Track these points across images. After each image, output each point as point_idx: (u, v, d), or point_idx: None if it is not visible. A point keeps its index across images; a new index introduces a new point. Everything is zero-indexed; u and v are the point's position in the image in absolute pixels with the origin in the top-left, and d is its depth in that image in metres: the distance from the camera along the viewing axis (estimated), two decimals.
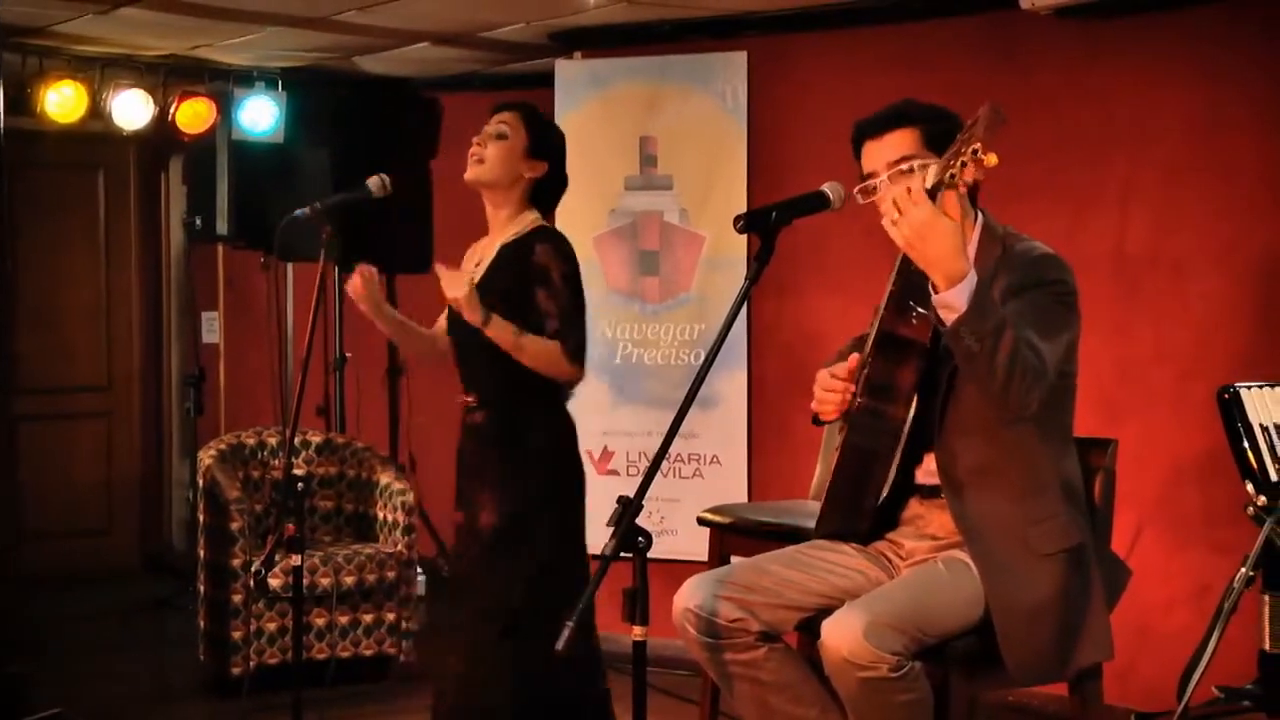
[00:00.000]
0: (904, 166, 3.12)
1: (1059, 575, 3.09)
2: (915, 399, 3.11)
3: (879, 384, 3.10)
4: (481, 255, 4.00)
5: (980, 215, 3.20)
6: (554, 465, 3.92)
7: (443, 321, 4.12)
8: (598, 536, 3.12)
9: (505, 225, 3.95)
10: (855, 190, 3.16)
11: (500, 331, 3.77)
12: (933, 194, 2.84)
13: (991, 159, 2.77)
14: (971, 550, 3.10)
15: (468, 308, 3.71)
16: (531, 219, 3.94)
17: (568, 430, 3.97)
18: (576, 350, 3.85)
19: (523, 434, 3.89)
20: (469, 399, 3.97)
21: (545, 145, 3.95)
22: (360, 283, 3.93)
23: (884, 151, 3.16)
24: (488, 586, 3.87)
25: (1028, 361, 2.88)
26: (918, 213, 2.81)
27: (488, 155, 3.90)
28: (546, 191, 3.98)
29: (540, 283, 3.84)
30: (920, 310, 3.01)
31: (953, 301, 2.83)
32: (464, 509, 3.97)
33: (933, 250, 2.82)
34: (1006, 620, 3.05)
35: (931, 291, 2.87)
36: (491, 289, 3.84)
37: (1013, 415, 2.96)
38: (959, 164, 2.80)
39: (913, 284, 3.00)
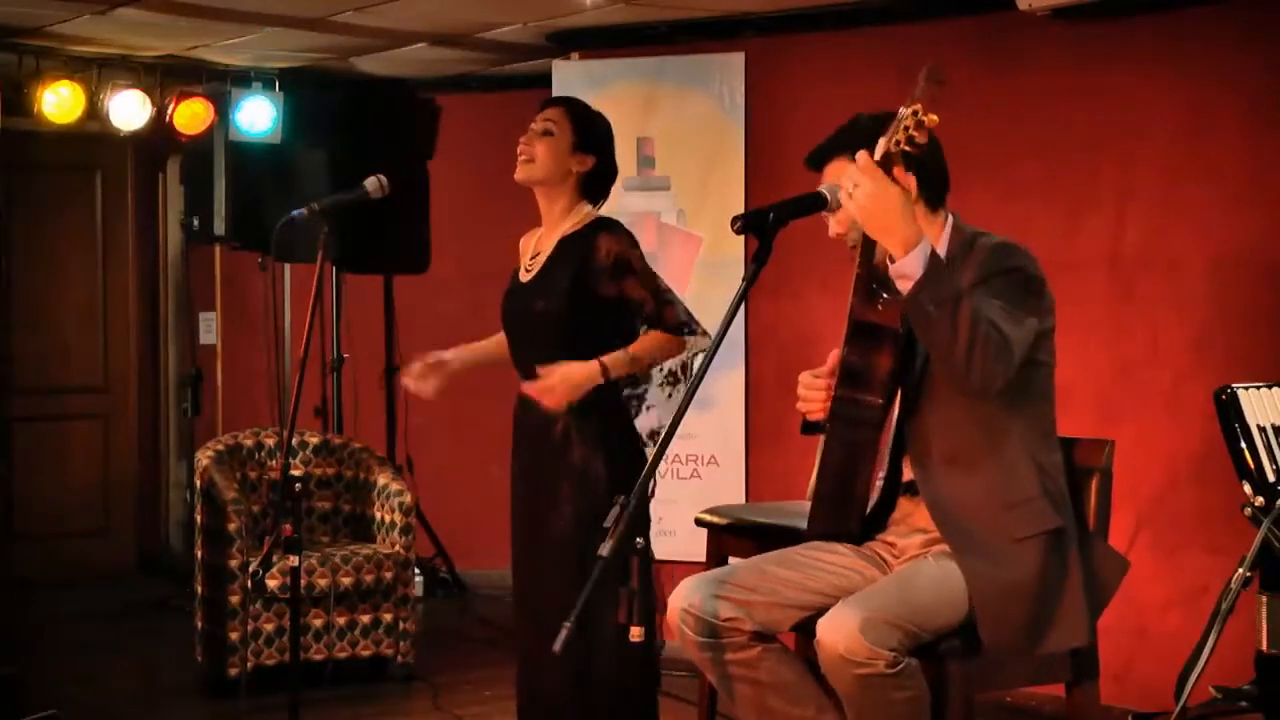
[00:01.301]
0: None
1: (1036, 559, 3.09)
2: (897, 390, 3.11)
3: (854, 372, 3.10)
4: (539, 248, 3.98)
5: (950, 217, 3.20)
6: (623, 448, 3.89)
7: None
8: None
9: (560, 220, 3.94)
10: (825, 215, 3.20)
11: (619, 365, 3.79)
12: (885, 165, 2.89)
13: (933, 119, 2.82)
14: (946, 535, 3.11)
15: (586, 384, 3.75)
16: (587, 211, 3.94)
17: (627, 413, 3.96)
18: (678, 325, 3.85)
19: (592, 416, 3.85)
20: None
21: (592, 138, 3.94)
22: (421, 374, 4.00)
23: (825, 184, 3.19)
24: (567, 578, 3.80)
25: (989, 335, 2.89)
26: (868, 184, 2.88)
27: (536, 153, 3.90)
28: (597, 182, 3.97)
29: (624, 273, 3.84)
30: (885, 295, 3.02)
31: (908, 269, 2.87)
32: (532, 500, 3.93)
33: (885, 219, 2.88)
34: (982, 597, 3.07)
35: (889, 263, 2.89)
36: (552, 280, 3.85)
37: (976, 390, 2.96)
38: (903, 129, 2.85)
39: (876, 270, 3.03)
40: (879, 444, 3.15)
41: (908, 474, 3.22)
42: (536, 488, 3.93)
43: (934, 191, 3.18)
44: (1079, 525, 3.22)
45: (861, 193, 2.87)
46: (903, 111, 2.85)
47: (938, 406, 3.11)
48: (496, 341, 4.13)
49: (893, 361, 3.08)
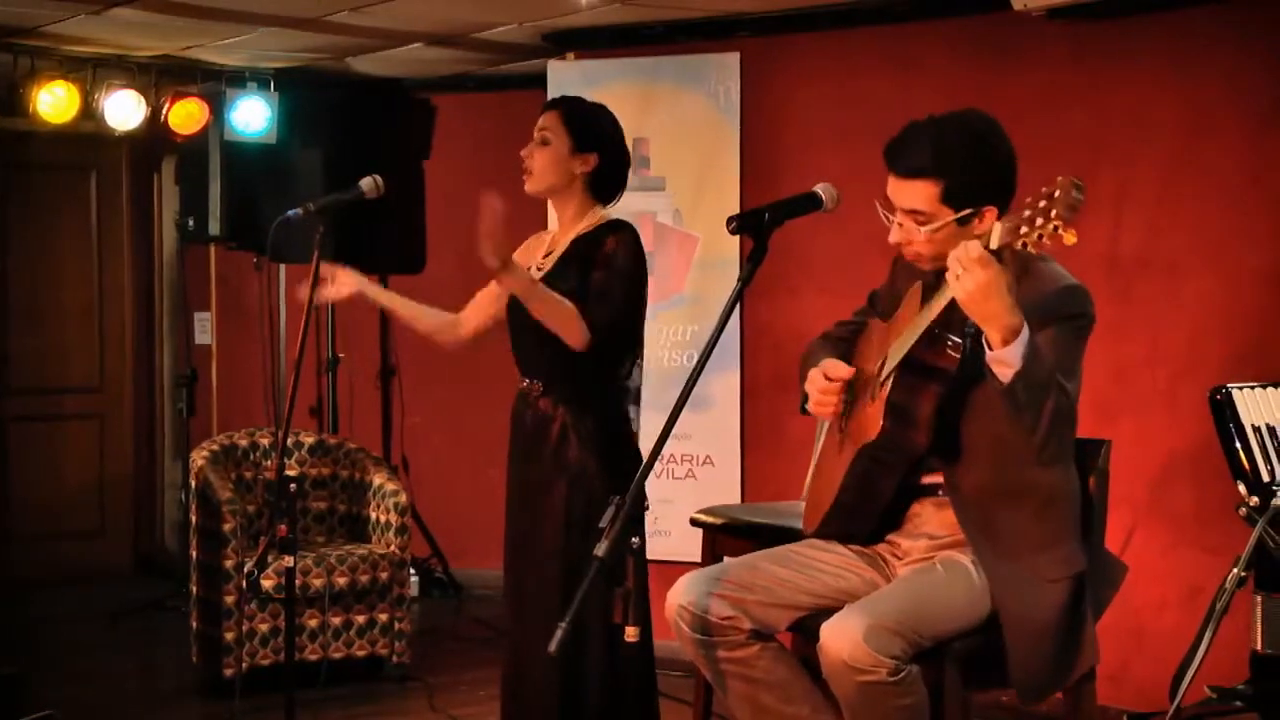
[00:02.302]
0: (917, 222, 3.06)
1: (1060, 600, 3.10)
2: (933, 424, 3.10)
3: (901, 410, 3.08)
4: (552, 246, 3.95)
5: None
6: (619, 449, 3.87)
7: (469, 308, 4.13)
8: None
9: (573, 223, 3.91)
10: (878, 205, 3.14)
11: (528, 282, 3.70)
12: (996, 253, 2.80)
13: (1071, 237, 2.69)
14: (986, 569, 3.11)
15: (490, 252, 3.60)
16: (600, 213, 3.90)
17: (625, 412, 3.94)
18: (598, 325, 3.73)
19: (589, 415, 3.84)
20: (534, 386, 3.92)
21: (591, 137, 3.89)
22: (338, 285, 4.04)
23: (901, 195, 3.09)
24: (559, 577, 3.80)
25: (1063, 411, 2.90)
26: (981, 273, 2.78)
27: (535, 165, 3.88)
28: (606, 178, 3.92)
29: (605, 263, 3.79)
30: (955, 339, 3.00)
31: (1009, 358, 2.83)
32: (528, 499, 3.91)
33: (989, 308, 2.81)
34: (1016, 639, 3.08)
35: (986, 348, 2.86)
36: (562, 279, 3.82)
37: (1044, 464, 2.99)
38: (1035, 236, 2.72)
39: (951, 320, 2.98)
40: (907, 466, 3.15)
41: (926, 478, 3.21)
42: (532, 486, 3.92)
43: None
44: (1084, 535, 3.22)
45: (970, 279, 2.78)
46: (1041, 211, 2.70)
47: (979, 445, 3.09)
48: (429, 311, 4.19)
49: (938, 400, 3.06)
